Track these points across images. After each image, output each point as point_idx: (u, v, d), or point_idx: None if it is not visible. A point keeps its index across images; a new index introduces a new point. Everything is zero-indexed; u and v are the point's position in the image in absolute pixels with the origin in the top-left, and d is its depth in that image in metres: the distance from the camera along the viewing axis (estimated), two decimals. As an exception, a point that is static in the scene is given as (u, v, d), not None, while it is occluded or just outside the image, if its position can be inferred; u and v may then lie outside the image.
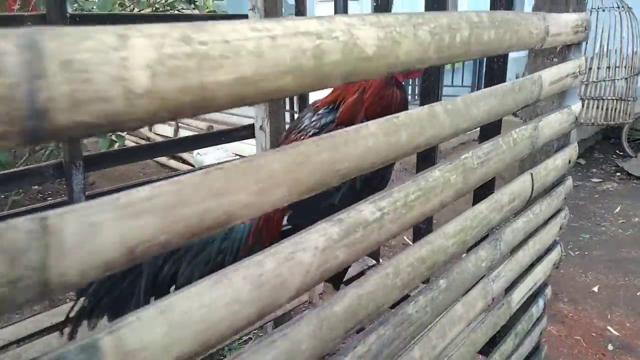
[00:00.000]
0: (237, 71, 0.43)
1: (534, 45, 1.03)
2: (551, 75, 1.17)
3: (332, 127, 1.41)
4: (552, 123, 1.23)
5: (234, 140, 2.47)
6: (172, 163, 5.21)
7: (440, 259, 0.87)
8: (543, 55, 1.37)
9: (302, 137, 1.43)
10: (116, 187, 2.03)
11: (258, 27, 0.45)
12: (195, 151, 4.80)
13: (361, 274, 2.30)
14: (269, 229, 1.38)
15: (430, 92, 1.87)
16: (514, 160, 1.07)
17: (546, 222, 1.41)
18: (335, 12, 2.17)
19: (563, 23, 1.16)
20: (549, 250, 1.50)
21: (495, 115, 0.94)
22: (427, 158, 1.86)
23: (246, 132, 2.41)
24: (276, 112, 2.26)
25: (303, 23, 0.50)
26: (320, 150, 0.56)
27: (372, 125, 0.64)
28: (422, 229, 2.00)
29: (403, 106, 1.50)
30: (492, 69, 1.66)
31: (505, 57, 1.63)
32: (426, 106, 0.75)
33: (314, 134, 1.42)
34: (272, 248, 0.55)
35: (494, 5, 1.58)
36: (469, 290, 1.06)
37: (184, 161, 5.11)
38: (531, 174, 1.19)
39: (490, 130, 1.62)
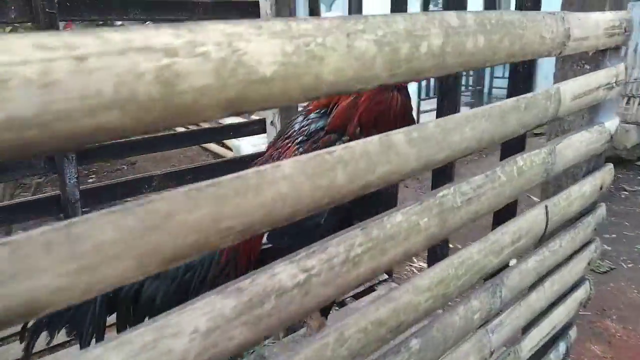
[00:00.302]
0: (4, 109, 0.29)
1: (548, 53, 0.84)
2: (575, 87, 0.96)
3: (321, 135, 1.26)
4: (577, 144, 1.02)
5: (245, 135, 2.36)
6: (213, 146, 5.20)
7: (410, 317, 0.71)
8: (572, 60, 1.16)
9: (289, 145, 1.29)
10: (109, 184, 1.95)
11: (50, 44, 0.31)
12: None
13: (370, 289, 2.13)
14: (246, 247, 1.25)
15: (449, 95, 1.67)
16: (521, 192, 0.88)
17: (569, 258, 1.20)
18: (350, 12, 2.00)
19: (592, 24, 0.96)
20: (573, 288, 1.28)
21: (489, 141, 0.76)
22: (443, 173, 1.66)
23: (257, 127, 2.30)
24: (287, 107, 2.13)
25: (143, 35, 0.35)
26: (194, 206, 0.42)
27: (288, 165, 0.48)
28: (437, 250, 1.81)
29: (404, 112, 1.33)
30: (516, 72, 1.44)
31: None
32: (378, 136, 0.58)
33: (301, 142, 1.27)
34: (124, 335, 0.41)
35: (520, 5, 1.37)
36: (458, 345, 0.88)
37: (224, 145, 5.07)
38: (546, 206, 0.99)
39: (512, 146, 1.42)
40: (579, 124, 1.17)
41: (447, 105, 1.69)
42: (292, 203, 0.49)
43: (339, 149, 0.53)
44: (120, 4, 1.74)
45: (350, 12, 1.97)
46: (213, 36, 0.39)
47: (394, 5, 1.74)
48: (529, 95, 0.83)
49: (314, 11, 2.15)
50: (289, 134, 1.31)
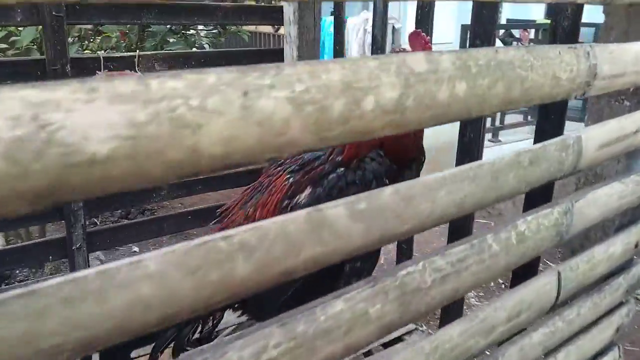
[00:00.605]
0: None
1: (566, 95, 0.68)
2: (603, 134, 0.79)
3: (315, 165, 1.14)
4: (604, 199, 0.85)
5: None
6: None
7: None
8: (608, 95, 0.98)
9: (280, 173, 1.17)
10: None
11: None
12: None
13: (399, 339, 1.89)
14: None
15: (470, 152, 1.49)
16: (522, 261, 0.73)
17: (593, 323, 1.02)
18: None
19: (631, 58, 0.78)
20: (598, 356, 1.10)
21: (476, 205, 0.62)
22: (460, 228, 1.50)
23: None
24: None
25: None
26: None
27: (154, 260, 0.37)
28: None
29: (418, 141, 1.18)
30: (547, 118, 1.26)
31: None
32: (305, 211, 0.46)
33: (293, 171, 1.16)
34: None
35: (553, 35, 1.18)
36: None
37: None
38: (558, 272, 0.83)
39: (536, 197, 1.24)
40: (614, 169, 0.99)
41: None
42: (162, 306, 0.38)
43: (240, 232, 0.42)
44: (134, 8, 1.68)
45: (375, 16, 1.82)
46: (8, 108, 0.28)
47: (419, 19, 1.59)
48: (536, 147, 0.68)
49: (338, 18, 2.02)
50: (283, 160, 1.20)
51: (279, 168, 1.18)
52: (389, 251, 2.31)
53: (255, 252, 0.42)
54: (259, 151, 0.39)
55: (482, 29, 1.37)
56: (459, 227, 1.53)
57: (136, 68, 1.73)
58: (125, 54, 1.94)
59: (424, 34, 1.18)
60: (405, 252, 1.94)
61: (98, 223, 2.94)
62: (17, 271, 2.44)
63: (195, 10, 1.83)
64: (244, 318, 1.23)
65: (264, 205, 1.14)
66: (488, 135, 4.58)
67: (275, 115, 0.39)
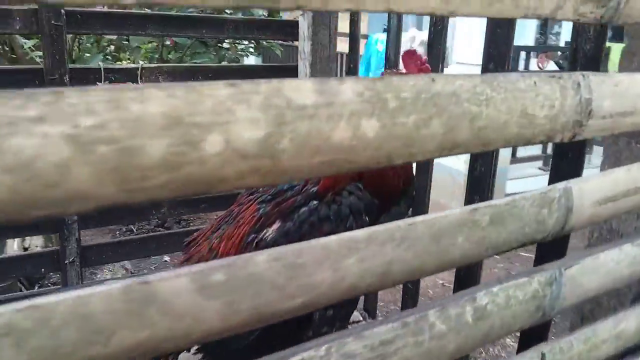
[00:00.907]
0: None
1: (545, 138, 0.53)
2: (605, 185, 0.63)
3: (287, 196, 1.02)
4: (610, 265, 0.68)
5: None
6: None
7: None
8: (628, 135, 0.81)
9: (250, 203, 1.06)
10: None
11: None
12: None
13: None
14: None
15: (480, 186, 1.33)
16: (484, 343, 0.57)
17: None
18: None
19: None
20: None
21: (408, 274, 0.48)
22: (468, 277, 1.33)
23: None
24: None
25: None
26: None
27: None
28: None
29: (406, 175, 1.05)
30: (563, 157, 1.07)
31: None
32: (123, 283, 0.34)
33: (264, 201, 1.04)
34: None
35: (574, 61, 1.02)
36: None
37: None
38: (542, 354, 0.66)
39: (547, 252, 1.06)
40: (632, 225, 0.81)
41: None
42: None
43: (8, 312, 0.31)
44: (138, 19, 1.64)
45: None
46: None
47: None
48: (501, 202, 0.53)
49: (354, 33, 1.90)
50: (254, 190, 1.09)
51: (251, 197, 1.07)
52: (397, 290, 2.13)
53: (30, 340, 0.31)
54: (19, 207, 0.28)
55: (496, 50, 1.22)
56: (465, 274, 1.37)
57: (138, 80, 1.68)
58: (130, 65, 1.90)
59: (419, 53, 1.05)
60: (410, 292, 1.78)
61: (135, 230, 2.91)
62: (52, 273, 2.40)
63: (203, 23, 1.77)
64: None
65: (230, 238, 1.03)
66: (538, 163, 4.25)
67: (40, 160, 0.28)
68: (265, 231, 0.99)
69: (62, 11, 1.47)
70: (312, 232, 0.96)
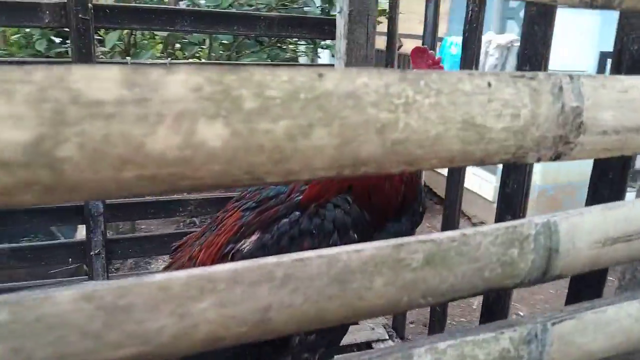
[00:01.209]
0: None
1: (513, 158, 0.40)
2: (606, 222, 0.48)
3: (270, 205, 0.93)
4: (614, 326, 0.53)
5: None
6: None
7: None
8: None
9: (235, 210, 0.98)
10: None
11: None
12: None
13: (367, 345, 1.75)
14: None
15: (512, 204, 1.17)
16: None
17: None
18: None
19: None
20: None
21: (299, 324, 0.37)
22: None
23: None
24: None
25: None
26: None
27: None
28: None
29: (409, 187, 0.92)
30: (602, 178, 0.90)
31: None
32: None
33: (248, 209, 0.96)
34: None
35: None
36: None
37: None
38: None
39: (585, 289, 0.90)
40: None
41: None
42: None
43: None
44: (169, 13, 1.62)
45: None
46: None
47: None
48: (441, 237, 0.41)
49: (391, 31, 1.77)
50: (242, 195, 1.01)
51: (236, 204, 0.99)
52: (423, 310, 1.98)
53: None
54: None
55: (532, 50, 1.05)
56: (491, 305, 1.22)
57: (165, 76, 1.66)
58: (156, 61, 1.90)
59: (431, 51, 0.92)
60: (438, 316, 1.62)
61: (197, 223, 2.91)
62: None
63: (236, 19, 1.72)
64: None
65: (209, 247, 0.95)
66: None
67: None
68: (243, 242, 0.91)
69: (90, 5, 1.48)
70: (292, 247, 0.86)
